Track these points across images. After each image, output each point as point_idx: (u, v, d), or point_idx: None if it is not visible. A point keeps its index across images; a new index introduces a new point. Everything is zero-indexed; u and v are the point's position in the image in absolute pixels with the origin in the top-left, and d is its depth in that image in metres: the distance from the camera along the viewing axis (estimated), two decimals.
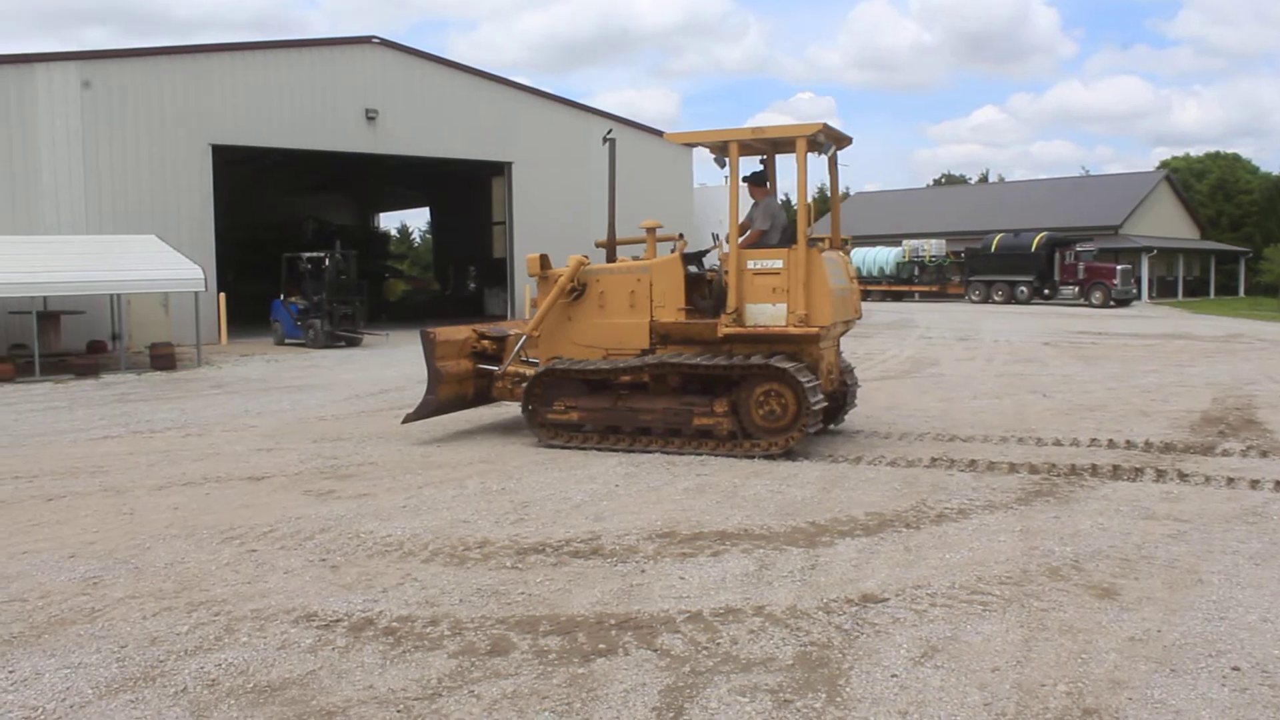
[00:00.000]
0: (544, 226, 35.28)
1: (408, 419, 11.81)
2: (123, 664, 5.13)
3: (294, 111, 30.15)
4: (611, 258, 12.35)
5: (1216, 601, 5.90)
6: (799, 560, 6.70)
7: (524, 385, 11.32)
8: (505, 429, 12.31)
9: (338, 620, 5.72)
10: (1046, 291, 46.73)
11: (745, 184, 11.09)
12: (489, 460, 10.40)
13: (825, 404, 10.53)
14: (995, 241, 48.84)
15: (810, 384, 10.11)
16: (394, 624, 5.65)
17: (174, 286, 22.68)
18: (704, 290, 11.28)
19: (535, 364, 11.72)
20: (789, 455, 10.12)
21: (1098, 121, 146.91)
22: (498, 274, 38.34)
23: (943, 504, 8.18)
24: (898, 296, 51.98)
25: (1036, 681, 4.79)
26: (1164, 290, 57.01)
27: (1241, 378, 17.14)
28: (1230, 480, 9.02)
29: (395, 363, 21.74)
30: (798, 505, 8.20)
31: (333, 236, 33.95)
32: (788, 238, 10.77)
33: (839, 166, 11.46)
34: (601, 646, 5.27)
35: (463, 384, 12.11)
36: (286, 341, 26.94)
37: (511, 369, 11.88)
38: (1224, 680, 4.82)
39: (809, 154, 10.56)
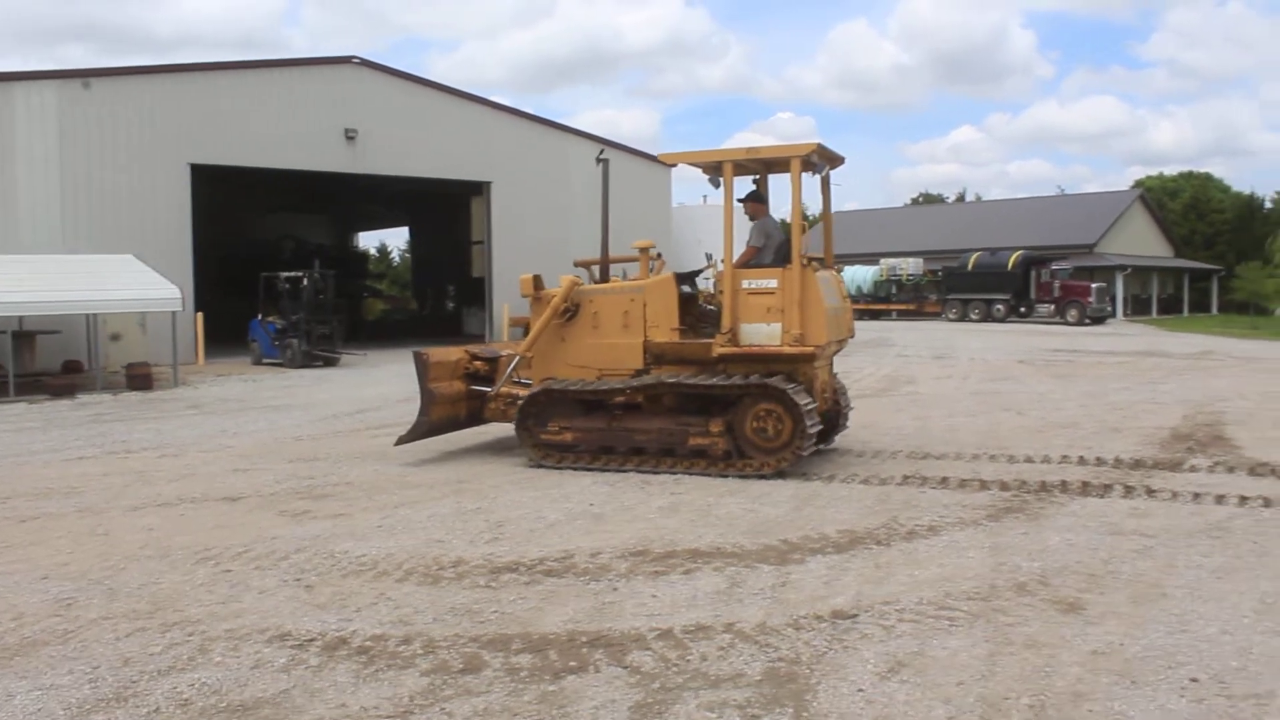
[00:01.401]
0: (523, 246, 35.35)
1: (400, 441, 11.73)
2: (95, 685, 5.15)
3: (273, 131, 30.18)
4: (605, 278, 12.38)
5: (1178, 615, 5.99)
6: (770, 578, 6.77)
7: (518, 406, 11.28)
8: (482, 449, 12.36)
9: (311, 639, 5.75)
10: (1023, 310, 47.07)
11: (740, 204, 11.11)
12: (465, 480, 10.43)
13: (820, 425, 10.58)
14: (972, 260, 49.20)
15: (807, 405, 10.15)
16: (367, 643, 5.69)
17: (151, 306, 22.62)
18: (696, 310, 11.33)
19: (528, 385, 11.72)
20: (779, 475, 10.14)
21: (1074, 141, 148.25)
22: (476, 293, 38.42)
23: (914, 521, 8.27)
24: (875, 315, 52.22)
25: (1000, 695, 4.87)
26: (1139, 308, 57.51)
27: (1212, 394, 17.33)
28: (1196, 496, 9.14)
29: (373, 382, 21.77)
30: (770, 523, 8.28)
31: (311, 256, 33.97)
32: (782, 257, 10.78)
33: (831, 186, 11.54)
34: (573, 664, 5.32)
35: (455, 405, 12.05)
36: (264, 361, 26.89)
37: (504, 390, 11.86)
38: (1182, 691, 4.91)
39: (803, 174, 10.58)
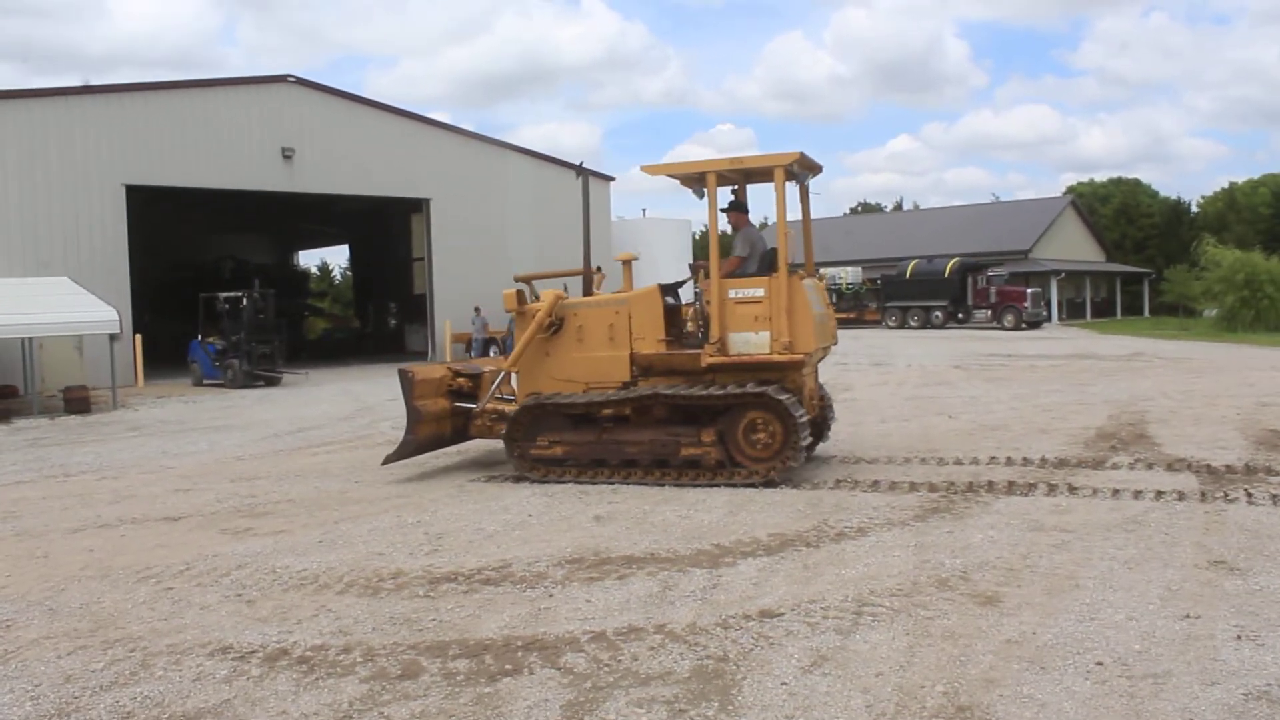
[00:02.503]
0: (463, 262, 35.47)
1: (388, 460, 11.68)
2: (36, 702, 5.24)
3: (210, 151, 30.08)
4: (588, 291, 12.40)
5: (1089, 604, 6.28)
6: (701, 581, 6.99)
7: (506, 421, 11.24)
8: (421, 465, 12.45)
9: (253, 651, 5.87)
10: (960, 316, 47.85)
11: (722, 214, 11.13)
12: (405, 495, 10.55)
13: (811, 439, 10.70)
14: (910, 268, 49.97)
15: (800, 414, 10.26)
16: (308, 653, 5.82)
17: (87, 329, 22.47)
18: (681, 321, 11.38)
19: (511, 400, 11.77)
20: (770, 484, 10.21)
21: (1009, 149, 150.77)
22: (418, 311, 38.39)
23: (843, 523, 8.52)
24: None
25: (917, 684, 5.11)
26: (1073, 312, 58.68)
27: (1138, 395, 17.83)
28: (1116, 492, 9.48)
29: (315, 401, 21.76)
30: (704, 529, 8.50)
31: (251, 275, 33.79)
32: (766, 266, 10.87)
33: (810, 194, 11.61)
34: (508, 667, 5.49)
35: (440, 423, 11.97)
36: (205, 382, 26.73)
37: (490, 406, 11.83)
38: (1088, 674, 5.17)
39: (786, 182, 10.64)
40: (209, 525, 9.41)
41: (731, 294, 10.57)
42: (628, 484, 10.50)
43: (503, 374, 11.87)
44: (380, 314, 48.13)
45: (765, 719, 4.78)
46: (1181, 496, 9.19)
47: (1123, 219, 76.98)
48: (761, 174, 11.16)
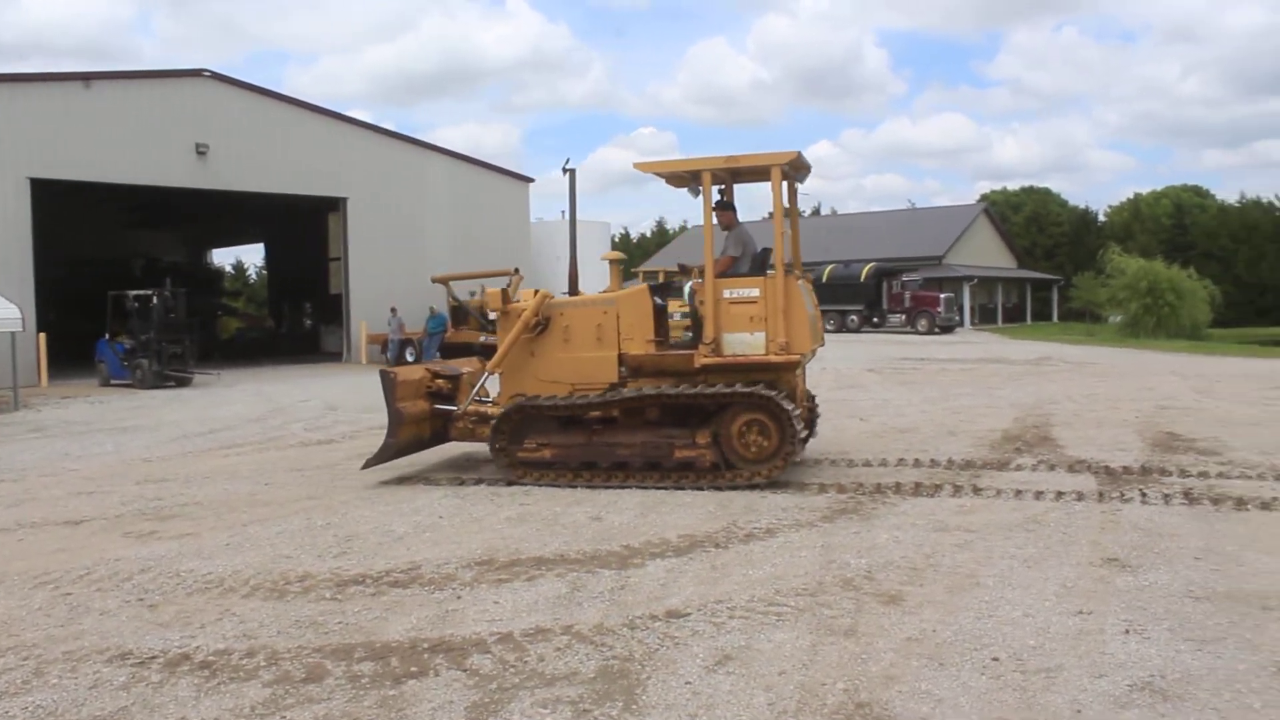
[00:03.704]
0: (381, 262, 35.18)
1: (368, 464, 11.32)
2: None
3: (120, 145, 29.43)
4: (574, 291, 12.20)
5: (989, 601, 6.44)
6: (610, 581, 7.03)
7: (491, 424, 10.96)
8: (332, 466, 12.34)
9: (153, 657, 5.78)
10: (875, 320, 48.51)
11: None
12: (316, 497, 10.44)
13: (806, 432, 10.63)
14: (826, 272, 50.51)
15: (795, 412, 10.24)
16: (210, 658, 5.74)
17: None
18: (668, 322, 11.24)
19: (488, 402, 11.60)
20: (771, 484, 10.15)
21: (926, 156, 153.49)
22: (334, 311, 37.93)
23: (752, 524, 8.62)
24: None
25: (818, 681, 5.20)
26: (985, 317, 59.85)
27: (1044, 398, 18.26)
28: (1018, 492, 9.70)
29: (227, 402, 21.42)
30: (614, 530, 8.54)
31: (163, 273, 33.13)
32: (758, 265, 10.84)
33: (799, 195, 11.49)
34: (413, 669, 5.48)
35: (420, 425, 11.67)
36: (112, 382, 26.14)
37: (471, 409, 11.57)
38: (984, 669, 5.31)
39: (783, 182, 10.58)
40: (112, 529, 9.23)
41: (726, 294, 10.46)
42: (621, 488, 10.31)
43: (485, 375, 11.61)
44: (295, 314, 47.55)
45: (668, 718, 4.83)
46: (1080, 497, 9.44)
47: (1033, 227, 79.04)
48: (756, 173, 11.08)
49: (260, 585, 7.17)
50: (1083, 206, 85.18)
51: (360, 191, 35.18)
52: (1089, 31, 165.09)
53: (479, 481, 10.90)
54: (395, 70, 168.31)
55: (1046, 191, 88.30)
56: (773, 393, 10.21)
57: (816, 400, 12.27)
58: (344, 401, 21.00)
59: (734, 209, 11.31)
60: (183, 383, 25.77)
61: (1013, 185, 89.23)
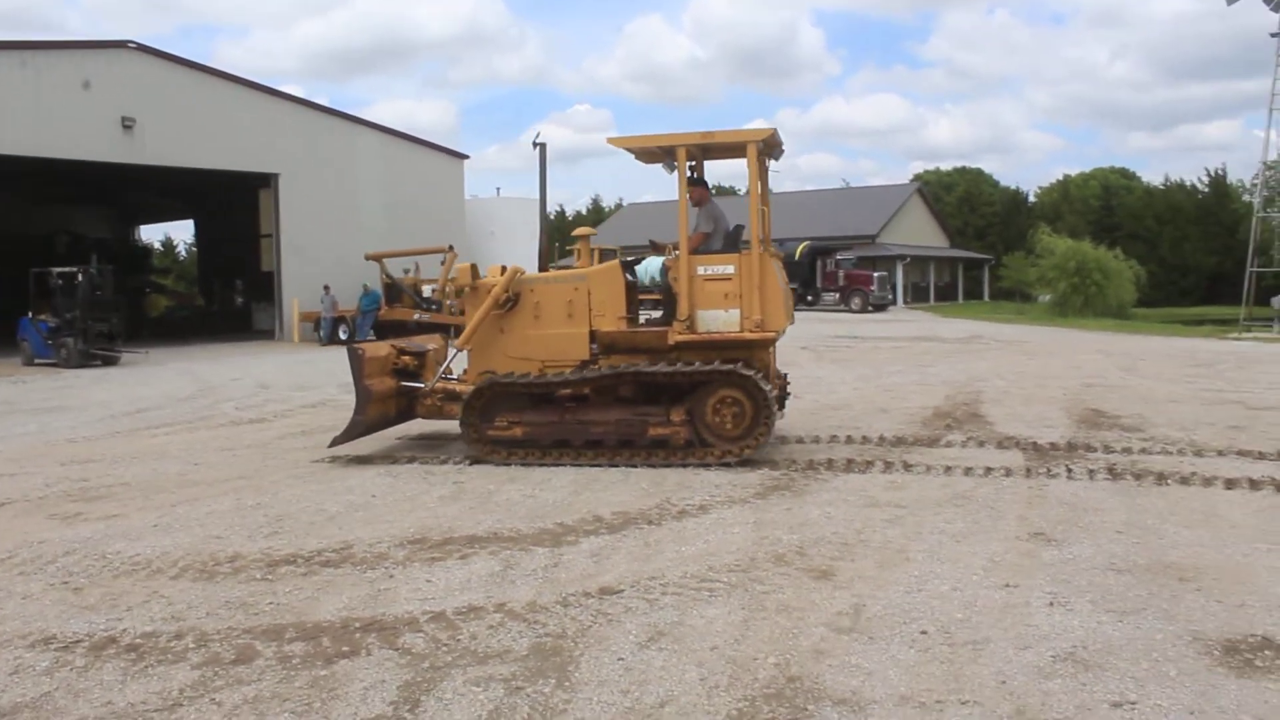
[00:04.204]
0: (313, 239, 34.76)
1: (334, 442, 11.01)
2: None
3: (41, 118, 28.70)
4: (544, 267, 12.06)
5: (918, 576, 6.54)
6: (543, 559, 7.03)
7: (461, 401, 10.72)
8: (264, 445, 12.19)
9: (78, 641, 5.68)
10: (810, 298, 48.77)
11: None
12: (246, 477, 10.31)
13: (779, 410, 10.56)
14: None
15: (770, 391, 10.23)
16: (137, 640, 5.66)
17: None
18: (637, 299, 11.12)
19: (450, 379, 11.42)
20: (745, 462, 10.13)
21: (860, 136, 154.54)
22: (266, 289, 37.40)
23: (685, 501, 8.67)
24: None
25: (750, 656, 5.25)
26: (918, 295, 60.56)
27: (974, 375, 18.55)
28: (948, 469, 9.85)
29: (155, 381, 21.06)
30: (548, 508, 8.54)
31: (89, 250, 32.42)
32: (730, 242, 10.78)
33: (770, 173, 11.42)
34: (345, 649, 5.45)
35: (386, 403, 11.41)
36: (36, 362, 25.55)
37: (439, 385, 11.36)
38: (912, 643, 5.40)
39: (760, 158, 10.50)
40: (35, 511, 9.04)
41: (700, 270, 10.37)
42: (593, 466, 10.21)
43: (454, 352, 11.37)
44: (226, 292, 46.79)
45: (601, 694, 4.85)
46: (1008, 473, 9.61)
47: (966, 207, 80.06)
48: (731, 149, 11.03)
49: (189, 566, 7.08)
50: (1014, 187, 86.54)
51: (292, 167, 34.68)
52: (1020, 14, 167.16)
53: (412, 460, 10.84)
54: (328, 45, 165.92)
55: (979, 172, 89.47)
56: (751, 371, 10.21)
57: (788, 378, 12.22)
58: (276, 380, 20.74)
59: (706, 185, 11.24)
60: (109, 362, 25.28)
61: (945, 165, 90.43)
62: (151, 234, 69.65)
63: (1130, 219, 74.46)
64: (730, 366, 10.16)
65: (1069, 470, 9.68)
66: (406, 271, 32.86)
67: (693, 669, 5.10)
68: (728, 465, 10.08)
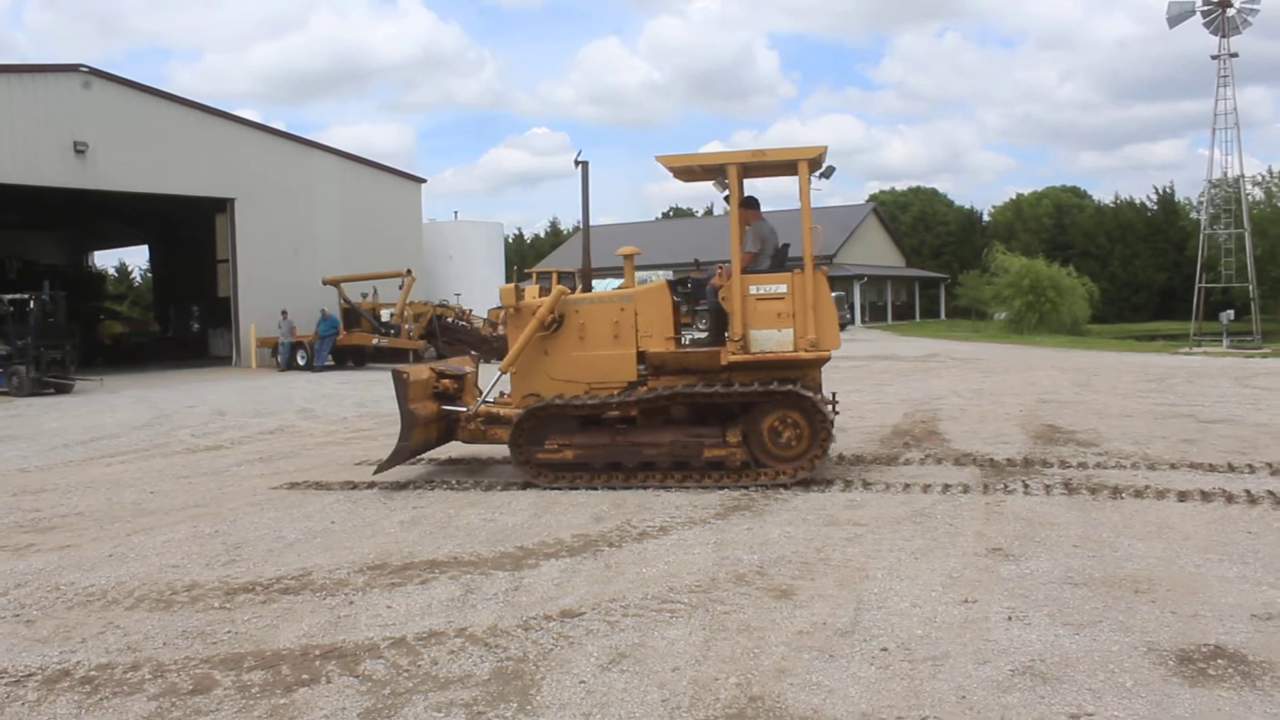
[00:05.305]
0: (271, 264, 34.54)
1: (381, 468, 10.86)
2: None
3: None
4: (587, 287, 11.94)
5: (878, 593, 6.58)
6: (504, 583, 7.01)
7: (509, 425, 10.53)
8: (220, 473, 12.07)
9: (30, 674, 5.59)
10: None
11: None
12: (203, 504, 10.20)
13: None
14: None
15: (828, 411, 10.18)
16: (92, 673, 5.58)
17: None
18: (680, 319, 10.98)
19: (490, 402, 11.22)
20: (801, 483, 10.04)
21: None
22: (222, 314, 37.07)
23: (646, 522, 8.67)
24: None
25: (711, 676, 5.26)
26: (875, 315, 61.04)
27: (931, 393, 18.71)
28: (906, 486, 9.92)
29: (110, 409, 20.79)
30: (508, 531, 8.52)
31: (41, 276, 32.02)
32: (778, 262, 10.74)
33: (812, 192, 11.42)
34: (305, 677, 5.40)
35: (429, 428, 11.16)
36: None
37: (483, 409, 11.12)
38: (873, 660, 5.43)
39: (810, 176, 10.50)
40: None
41: (753, 290, 10.30)
42: (644, 488, 10.09)
43: (499, 375, 11.16)
44: (182, 317, 46.32)
45: (562, 717, 4.84)
46: (966, 489, 9.70)
47: (921, 226, 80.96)
48: (781, 167, 11.01)
49: (145, 596, 6.99)
50: (968, 206, 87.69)
51: (248, 192, 34.46)
52: (971, 37, 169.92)
53: (371, 486, 10.77)
54: (284, 68, 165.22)
55: (933, 192, 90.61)
56: (809, 392, 10.18)
57: (836, 398, 11.99)
58: (233, 406, 20.55)
59: (757, 204, 11.19)
60: (63, 389, 24.93)
61: (900, 185, 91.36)
62: (106, 259, 69.12)
63: (1082, 237, 75.56)
64: (790, 387, 10.11)
65: (1026, 486, 9.78)
66: (364, 296, 32.69)
67: (655, 690, 5.10)
68: (781, 485, 9.99)
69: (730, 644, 5.72)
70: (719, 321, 10.56)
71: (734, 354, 10.30)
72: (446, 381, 11.48)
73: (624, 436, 10.40)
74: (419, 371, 11.45)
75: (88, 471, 12.71)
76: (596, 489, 10.16)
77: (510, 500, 9.81)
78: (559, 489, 10.19)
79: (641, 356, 10.65)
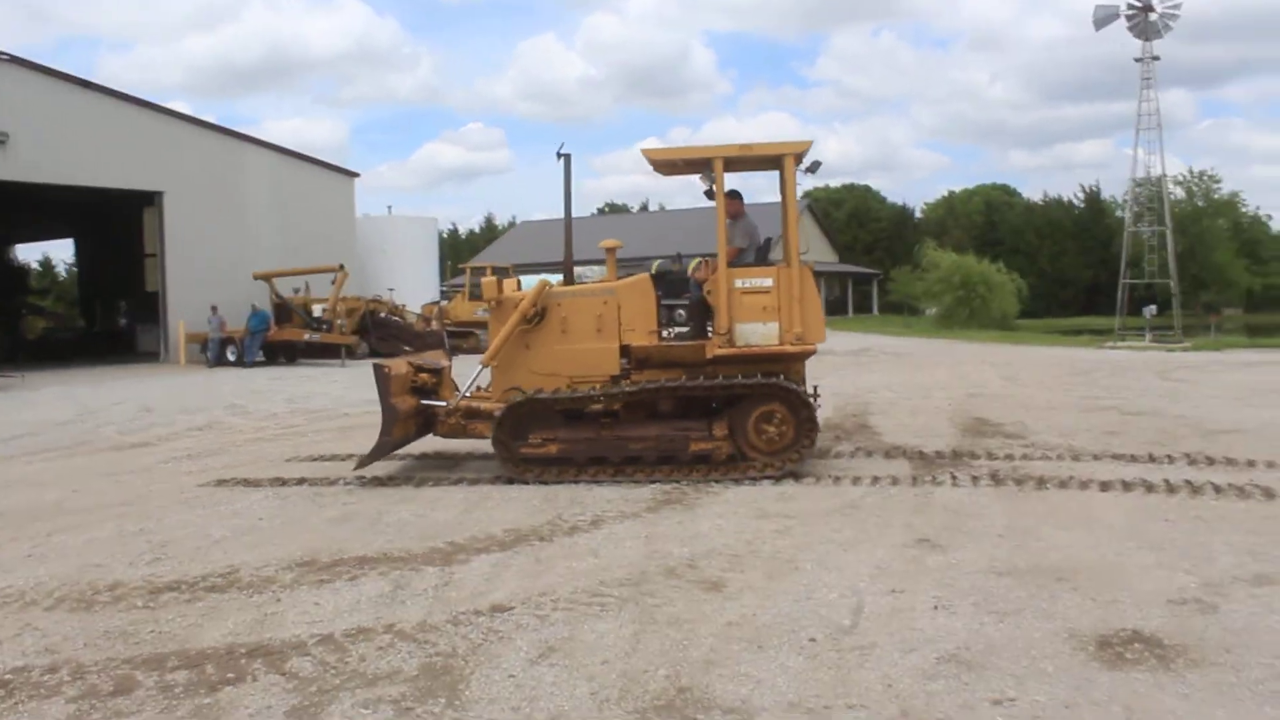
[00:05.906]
0: (199, 259, 33.95)
1: (361, 464, 10.61)
2: None
3: None
4: (569, 281, 11.77)
5: (807, 585, 6.64)
6: (434, 578, 6.97)
7: (490, 419, 10.38)
8: (147, 470, 11.86)
9: None
10: None
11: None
12: (129, 503, 10.01)
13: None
14: (654, 266, 50.93)
15: (814, 403, 10.19)
16: (7, 676, 5.44)
17: None
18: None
19: (468, 396, 11.05)
20: (789, 475, 10.02)
21: None
22: (150, 309, 36.37)
23: (577, 516, 8.67)
24: None
25: (641, 669, 5.28)
26: None
27: (864, 387, 18.92)
28: (836, 479, 10.00)
29: (31, 406, 20.32)
30: (439, 527, 8.45)
31: None
32: (762, 256, 10.69)
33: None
34: (230, 675, 5.32)
35: (407, 423, 10.91)
36: None
37: (462, 404, 10.93)
38: (801, 650, 5.49)
39: (796, 170, 10.51)
40: None
41: (738, 284, 10.30)
42: (631, 483, 9.98)
43: (480, 369, 10.99)
44: (109, 313, 45.41)
45: (491, 711, 4.83)
46: (895, 481, 9.81)
47: (854, 223, 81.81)
48: (767, 161, 10.97)
49: (66, 597, 6.84)
50: (901, 204, 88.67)
51: (178, 185, 33.83)
52: (905, 37, 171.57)
53: (301, 482, 10.64)
54: (216, 61, 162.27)
55: (867, 189, 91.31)
56: (795, 385, 10.19)
57: (819, 390, 11.82)
58: (160, 403, 20.17)
59: (741, 198, 11.18)
60: None
61: (835, 183, 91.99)
62: (29, 253, 67.48)
63: (1012, 234, 76.83)
64: (777, 380, 10.15)
65: (954, 477, 9.93)
66: (296, 291, 32.28)
67: (584, 683, 5.11)
68: (767, 478, 9.99)
69: (660, 637, 5.74)
70: (702, 315, 10.57)
71: (720, 348, 10.32)
72: (424, 376, 11.33)
73: (609, 431, 10.37)
74: (398, 366, 11.26)
75: (7, 470, 12.42)
76: (579, 482, 10.08)
77: (442, 496, 9.75)
78: (544, 483, 10.10)
79: (624, 350, 10.64)
